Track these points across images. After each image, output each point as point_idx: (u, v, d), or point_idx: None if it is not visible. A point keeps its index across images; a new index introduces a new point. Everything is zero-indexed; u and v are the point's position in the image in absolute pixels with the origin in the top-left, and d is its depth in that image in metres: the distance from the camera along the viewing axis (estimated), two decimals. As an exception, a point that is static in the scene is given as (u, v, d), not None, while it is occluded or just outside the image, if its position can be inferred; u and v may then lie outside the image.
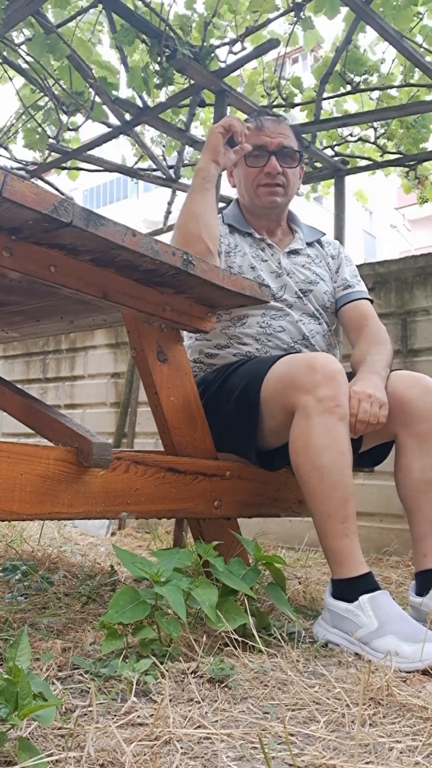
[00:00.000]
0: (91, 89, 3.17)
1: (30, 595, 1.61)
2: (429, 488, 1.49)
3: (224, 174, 1.91)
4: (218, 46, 3.18)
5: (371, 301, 1.88)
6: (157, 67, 3.02)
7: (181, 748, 0.84)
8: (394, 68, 3.66)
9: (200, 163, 1.72)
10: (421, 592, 1.49)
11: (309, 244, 1.91)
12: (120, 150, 4.89)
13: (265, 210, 1.84)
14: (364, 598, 1.31)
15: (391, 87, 3.53)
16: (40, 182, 4.17)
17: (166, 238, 3.75)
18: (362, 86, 3.51)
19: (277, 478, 1.69)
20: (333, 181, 4.10)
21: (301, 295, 1.79)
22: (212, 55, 3.08)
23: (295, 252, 1.86)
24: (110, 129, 3.60)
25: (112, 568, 1.94)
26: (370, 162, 4.07)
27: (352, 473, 1.39)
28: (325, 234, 1.99)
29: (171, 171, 4.06)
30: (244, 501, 1.61)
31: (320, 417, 1.38)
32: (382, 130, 3.94)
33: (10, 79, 3.45)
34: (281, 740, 0.88)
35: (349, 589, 1.33)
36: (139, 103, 3.41)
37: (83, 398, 4.05)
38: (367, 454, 1.71)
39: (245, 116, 3.52)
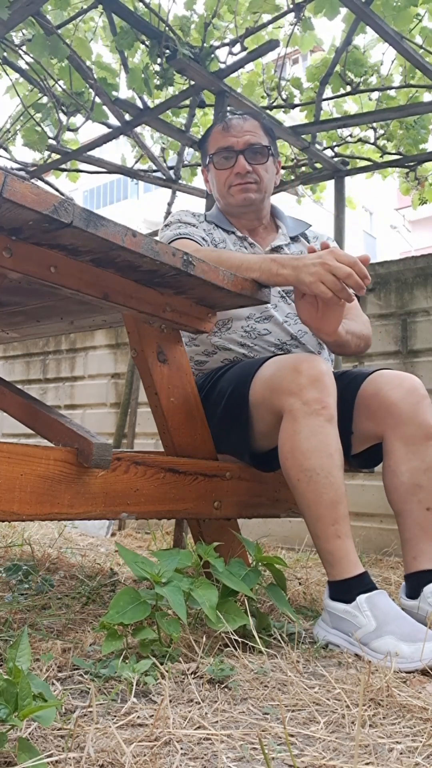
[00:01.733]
0: (91, 90, 3.18)
1: (30, 596, 1.61)
2: (417, 491, 1.48)
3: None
4: (218, 47, 3.19)
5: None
6: (157, 68, 3.02)
7: (181, 748, 0.84)
8: (393, 69, 3.66)
9: (288, 271, 1.46)
10: (412, 594, 1.48)
11: (294, 239, 1.88)
12: (120, 150, 4.89)
13: (241, 209, 1.82)
14: (361, 599, 1.31)
15: (391, 88, 3.53)
16: (40, 183, 4.17)
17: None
18: (362, 87, 3.51)
19: (276, 478, 1.69)
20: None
21: (284, 294, 1.77)
22: (212, 55, 3.08)
23: (276, 250, 1.82)
24: (110, 129, 3.60)
25: (112, 570, 1.94)
26: (370, 163, 4.07)
27: (342, 474, 1.38)
28: (311, 225, 1.95)
29: (171, 172, 4.06)
30: (245, 502, 1.61)
31: (306, 419, 1.38)
32: (382, 131, 3.94)
33: (11, 79, 3.45)
34: (281, 741, 0.88)
35: (346, 589, 1.33)
36: (139, 103, 3.41)
37: (83, 399, 4.05)
38: (367, 455, 1.71)
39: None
